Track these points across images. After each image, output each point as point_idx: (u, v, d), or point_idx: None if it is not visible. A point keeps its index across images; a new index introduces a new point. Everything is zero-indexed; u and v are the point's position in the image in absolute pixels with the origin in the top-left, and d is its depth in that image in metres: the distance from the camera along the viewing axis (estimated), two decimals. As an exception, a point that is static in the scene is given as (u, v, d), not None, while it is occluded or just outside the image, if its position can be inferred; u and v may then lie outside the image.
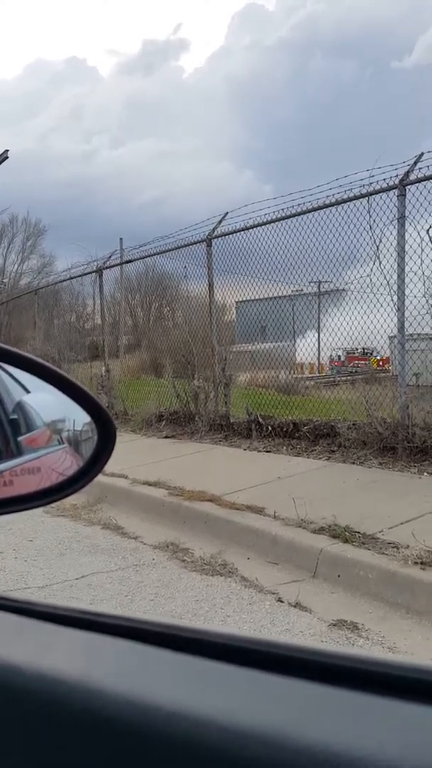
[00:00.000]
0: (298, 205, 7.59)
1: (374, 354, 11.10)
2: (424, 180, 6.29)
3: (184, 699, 0.57)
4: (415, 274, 6.34)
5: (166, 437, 8.83)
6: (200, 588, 4.01)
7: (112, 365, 11.83)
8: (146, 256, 10.81)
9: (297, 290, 9.99)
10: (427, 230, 6.14)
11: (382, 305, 7.00)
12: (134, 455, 7.32)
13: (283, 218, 7.85)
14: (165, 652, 0.66)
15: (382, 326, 7.17)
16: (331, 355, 12.79)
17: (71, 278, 13.22)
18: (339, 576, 3.92)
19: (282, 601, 3.75)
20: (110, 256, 11.63)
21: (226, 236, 8.83)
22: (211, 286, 9.06)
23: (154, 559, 4.59)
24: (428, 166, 6.23)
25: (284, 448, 7.33)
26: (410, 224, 6.43)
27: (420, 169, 6.32)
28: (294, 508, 4.63)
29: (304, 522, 4.48)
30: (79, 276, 12.79)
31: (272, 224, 8.07)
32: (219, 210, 8.77)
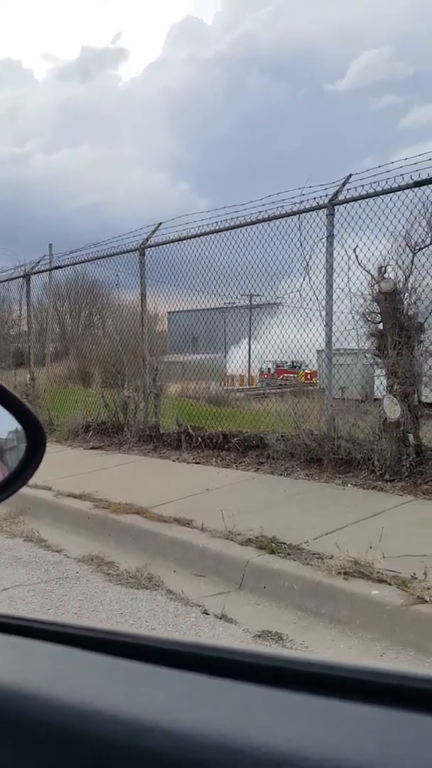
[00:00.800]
0: (232, 219, 7.69)
1: (302, 367, 11.33)
2: (352, 201, 6.49)
3: (120, 702, 0.56)
4: (343, 290, 6.52)
5: (93, 448, 8.68)
6: (125, 601, 3.95)
7: (38, 373, 11.55)
8: (77, 263, 10.64)
9: (229, 302, 10.08)
10: (354, 249, 6.33)
11: (311, 320, 7.16)
12: (59, 466, 7.15)
13: (217, 231, 7.92)
14: (101, 656, 0.65)
15: (310, 340, 7.33)
16: (261, 368, 12.96)
17: (-4, 283, 12.84)
18: (265, 587, 3.95)
19: (208, 614, 3.73)
20: (39, 261, 11.37)
21: (160, 246, 8.81)
22: (143, 295, 9.01)
23: (78, 573, 4.49)
24: (356, 188, 6.44)
25: (214, 459, 7.34)
26: (338, 242, 6.62)
27: (348, 190, 6.52)
28: (222, 520, 4.64)
29: (232, 534, 4.49)
30: (5, 281, 12.45)
31: (206, 237, 8.12)
32: (154, 219, 8.80)
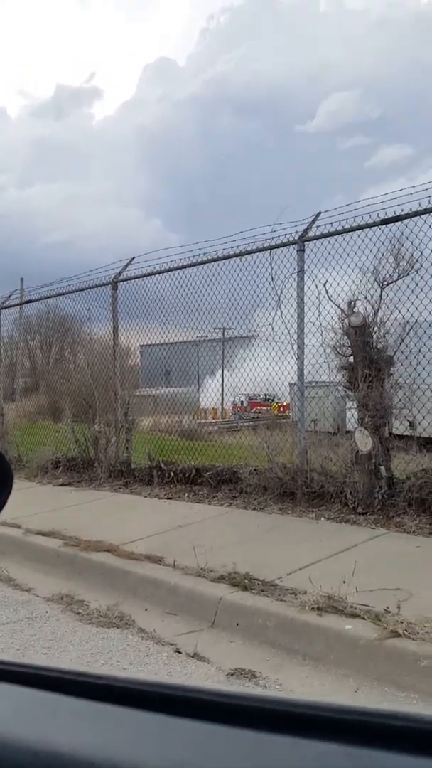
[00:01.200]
0: (205, 254, 7.77)
1: (275, 400, 11.37)
2: (321, 237, 6.63)
3: (88, 746, 0.55)
4: (314, 324, 6.60)
5: (63, 485, 8.54)
6: (96, 641, 3.85)
7: (6, 409, 11.39)
8: (48, 297, 10.61)
9: (202, 336, 10.13)
10: (324, 284, 6.44)
11: (283, 353, 7.22)
12: (28, 503, 7.01)
13: (190, 265, 8.00)
14: (67, 698, 0.63)
15: (283, 373, 7.38)
16: (234, 401, 12.97)
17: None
18: (238, 624, 3.88)
19: (180, 652, 3.65)
20: (9, 296, 11.32)
21: (132, 280, 8.85)
22: (115, 329, 9.01)
23: (47, 612, 4.37)
24: (325, 225, 6.58)
25: (186, 494, 7.27)
26: (309, 277, 6.73)
27: (318, 227, 6.66)
28: (194, 557, 4.57)
29: (204, 570, 4.43)
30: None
31: (178, 271, 8.19)
32: (127, 254, 8.86)
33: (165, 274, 8.39)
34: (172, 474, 7.72)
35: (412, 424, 6.38)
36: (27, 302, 11.34)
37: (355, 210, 6.32)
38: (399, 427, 6.46)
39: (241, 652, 3.65)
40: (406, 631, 3.25)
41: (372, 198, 6.22)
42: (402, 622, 3.33)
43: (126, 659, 3.58)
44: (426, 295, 5.93)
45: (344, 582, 3.85)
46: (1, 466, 0.92)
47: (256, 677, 3.31)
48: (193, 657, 3.58)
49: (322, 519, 5.87)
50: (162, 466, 7.87)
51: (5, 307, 11.31)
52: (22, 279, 11.45)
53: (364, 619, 3.49)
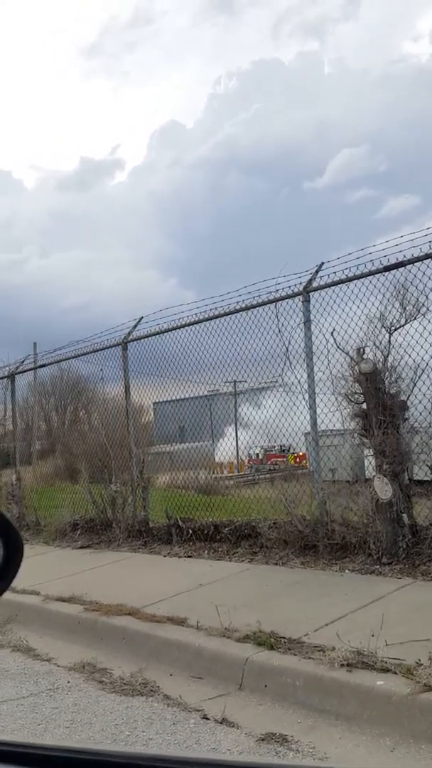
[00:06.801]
0: (211, 309, 7.89)
1: (291, 451, 11.29)
2: (326, 287, 6.72)
3: None
4: (324, 373, 6.62)
5: (81, 547, 8.45)
6: (120, 711, 3.73)
7: (24, 472, 11.39)
8: (60, 360, 10.76)
9: (213, 390, 10.16)
10: (332, 333, 6.48)
11: (295, 404, 7.22)
12: (47, 569, 6.93)
13: (196, 322, 8.10)
14: None
15: (296, 424, 7.36)
16: (249, 454, 12.90)
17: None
18: (266, 686, 3.76)
19: (208, 718, 3.53)
20: (23, 361, 11.49)
21: (142, 339, 8.97)
22: (127, 388, 9.08)
23: (69, 682, 4.26)
24: (329, 275, 6.68)
25: (206, 552, 7.16)
26: (316, 327, 6.79)
27: (322, 277, 6.76)
28: (218, 617, 4.46)
29: (228, 630, 4.31)
30: (-11, 381, 12.49)
31: (187, 328, 8.30)
32: (142, 313, 8.97)
33: (174, 331, 8.50)
34: (190, 531, 7.62)
35: None
36: (40, 366, 11.49)
37: (357, 258, 6.43)
38: (419, 473, 6.36)
39: (270, 715, 3.52)
40: (440, 684, 3.13)
41: (374, 246, 6.34)
42: (435, 676, 3.21)
43: (152, 729, 3.46)
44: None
45: (373, 635, 3.74)
46: (10, 535, 0.92)
47: (288, 741, 3.18)
48: (221, 723, 3.45)
49: (346, 571, 5.74)
50: (180, 523, 7.78)
51: (19, 372, 11.46)
52: (35, 343, 11.70)
53: (395, 673, 3.37)
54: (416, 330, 6.07)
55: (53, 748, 0.67)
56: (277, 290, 7.10)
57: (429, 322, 6.03)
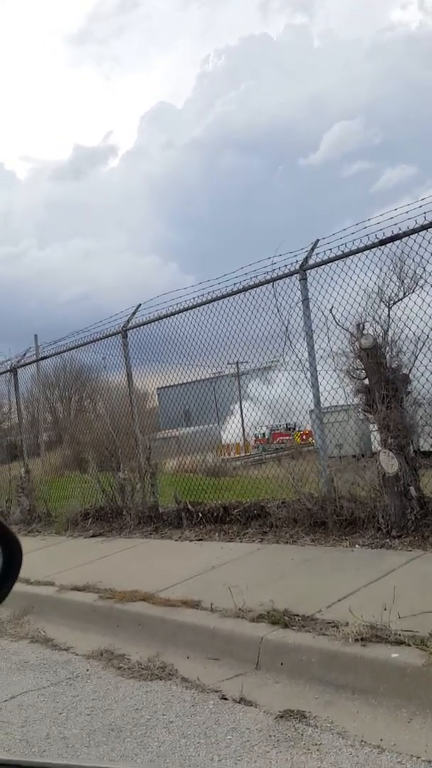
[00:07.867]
0: (208, 293, 7.85)
1: (297, 428, 11.30)
2: (322, 264, 6.68)
3: None
4: (325, 350, 6.61)
5: (93, 536, 8.52)
6: (139, 695, 3.79)
7: (32, 464, 11.45)
8: (62, 352, 10.76)
9: (217, 372, 10.15)
10: (330, 309, 6.46)
11: (297, 382, 7.22)
12: (60, 559, 7.00)
13: (193, 306, 8.08)
14: None
15: (299, 401, 7.36)
16: (255, 434, 12.92)
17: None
18: (282, 664, 3.80)
19: (226, 698, 3.58)
20: (24, 354, 11.49)
21: (142, 326, 8.95)
22: (129, 375, 9.08)
23: (88, 670, 4.32)
24: (325, 252, 6.63)
25: (216, 534, 7.21)
26: (314, 304, 6.76)
27: (317, 254, 6.72)
28: (231, 598, 4.51)
29: (242, 611, 4.36)
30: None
31: (186, 312, 8.27)
32: (144, 300, 8.94)
33: (175, 316, 8.48)
34: (200, 515, 7.67)
35: (436, 440, 6.29)
36: (42, 359, 11.50)
37: (353, 234, 6.38)
38: (424, 445, 6.37)
39: (288, 692, 3.56)
40: (453, 654, 3.17)
41: (369, 219, 6.28)
42: (448, 646, 3.24)
43: (172, 711, 3.51)
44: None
45: (385, 609, 3.77)
46: (8, 542, 0.93)
47: (306, 717, 3.23)
48: (239, 702, 3.50)
49: (357, 546, 5.78)
50: (189, 507, 7.83)
51: (20, 366, 11.46)
52: (35, 336, 11.67)
53: (409, 645, 3.41)
54: (415, 303, 6.04)
55: (51, 766, 0.69)
56: (274, 270, 7.07)
57: (427, 294, 6.00)
